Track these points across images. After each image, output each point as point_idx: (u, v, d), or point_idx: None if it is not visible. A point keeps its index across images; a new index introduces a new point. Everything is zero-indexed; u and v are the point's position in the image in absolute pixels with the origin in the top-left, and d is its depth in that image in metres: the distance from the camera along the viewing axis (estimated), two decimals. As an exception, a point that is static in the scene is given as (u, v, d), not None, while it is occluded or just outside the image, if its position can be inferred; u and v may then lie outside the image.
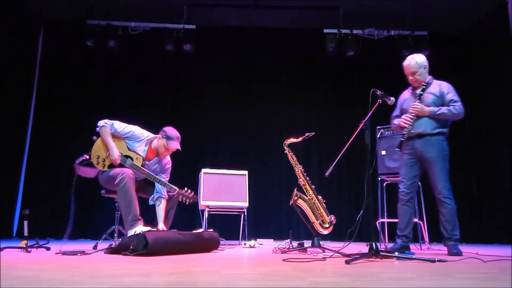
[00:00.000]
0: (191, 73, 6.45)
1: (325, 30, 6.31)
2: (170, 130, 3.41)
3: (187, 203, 3.17)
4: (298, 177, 3.48)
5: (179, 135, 3.43)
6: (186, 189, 3.18)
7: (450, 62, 6.61)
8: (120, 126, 3.32)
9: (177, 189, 3.17)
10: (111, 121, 3.30)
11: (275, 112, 6.41)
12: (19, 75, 5.70)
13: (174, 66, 6.41)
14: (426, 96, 3.16)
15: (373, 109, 2.83)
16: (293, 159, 3.53)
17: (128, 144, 3.33)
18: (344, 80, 6.56)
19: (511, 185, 5.48)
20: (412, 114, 3.09)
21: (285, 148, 3.55)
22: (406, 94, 3.36)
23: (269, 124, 6.29)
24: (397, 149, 2.99)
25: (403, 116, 3.17)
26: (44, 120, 5.97)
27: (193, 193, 3.17)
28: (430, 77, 3.26)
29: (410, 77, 3.22)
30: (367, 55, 6.38)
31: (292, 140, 3.49)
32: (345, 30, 6.27)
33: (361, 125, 2.79)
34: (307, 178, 3.47)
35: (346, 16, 6.20)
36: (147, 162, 3.38)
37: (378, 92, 2.97)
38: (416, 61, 3.18)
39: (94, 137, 3.29)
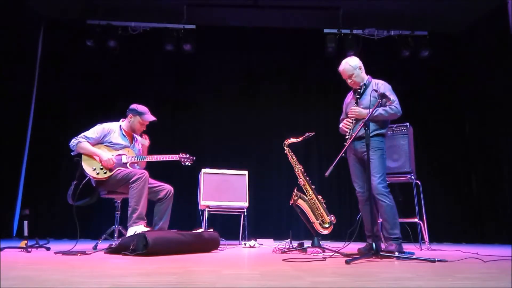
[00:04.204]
0: (191, 73, 6.45)
1: (325, 30, 6.31)
2: (139, 107, 3.49)
3: (189, 164, 3.59)
4: (298, 177, 3.48)
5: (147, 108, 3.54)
6: (183, 153, 3.58)
7: (450, 62, 6.62)
8: (93, 132, 3.33)
9: (178, 155, 3.54)
10: (81, 135, 3.29)
11: (275, 112, 6.40)
12: (19, 75, 5.69)
13: (174, 66, 6.41)
14: (364, 98, 3.14)
15: (374, 108, 2.83)
16: (293, 159, 3.53)
17: (109, 145, 3.36)
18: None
19: (511, 185, 5.48)
20: (352, 118, 3.07)
21: (285, 148, 3.55)
22: (349, 97, 3.36)
23: (269, 124, 6.28)
24: (343, 155, 2.72)
25: (344, 121, 3.14)
26: (44, 120, 5.97)
27: (187, 154, 3.58)
28: (368, 77, 3.25)
29: (349, 80, 3.23)
30: (367, 55, 6.35)
31: (292, 140, 3.50)
32: (345, 30, 6.27)
33: (361, 125, 2.79)
34: (307, 178, 3.47)
35: (346, 16, 6.20)
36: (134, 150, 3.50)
37: (379, 92, 2.97)
38: (349, 64, 3.20)
39: (75, 159, 3.24)
